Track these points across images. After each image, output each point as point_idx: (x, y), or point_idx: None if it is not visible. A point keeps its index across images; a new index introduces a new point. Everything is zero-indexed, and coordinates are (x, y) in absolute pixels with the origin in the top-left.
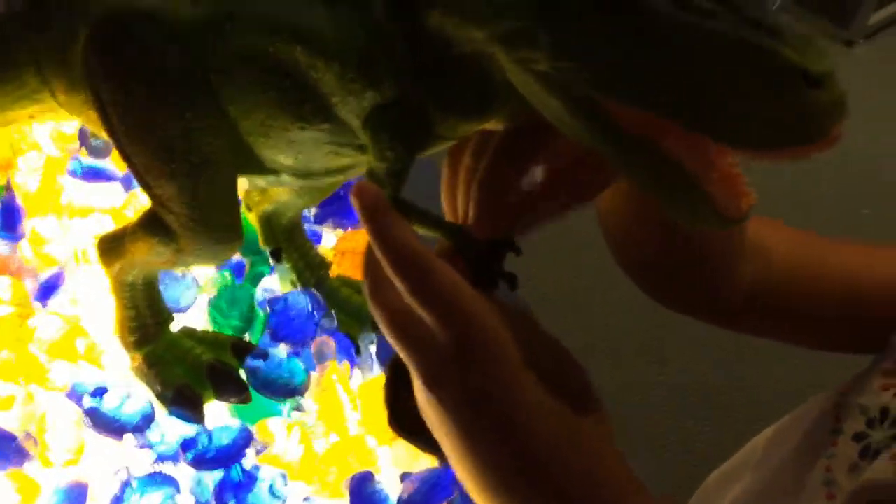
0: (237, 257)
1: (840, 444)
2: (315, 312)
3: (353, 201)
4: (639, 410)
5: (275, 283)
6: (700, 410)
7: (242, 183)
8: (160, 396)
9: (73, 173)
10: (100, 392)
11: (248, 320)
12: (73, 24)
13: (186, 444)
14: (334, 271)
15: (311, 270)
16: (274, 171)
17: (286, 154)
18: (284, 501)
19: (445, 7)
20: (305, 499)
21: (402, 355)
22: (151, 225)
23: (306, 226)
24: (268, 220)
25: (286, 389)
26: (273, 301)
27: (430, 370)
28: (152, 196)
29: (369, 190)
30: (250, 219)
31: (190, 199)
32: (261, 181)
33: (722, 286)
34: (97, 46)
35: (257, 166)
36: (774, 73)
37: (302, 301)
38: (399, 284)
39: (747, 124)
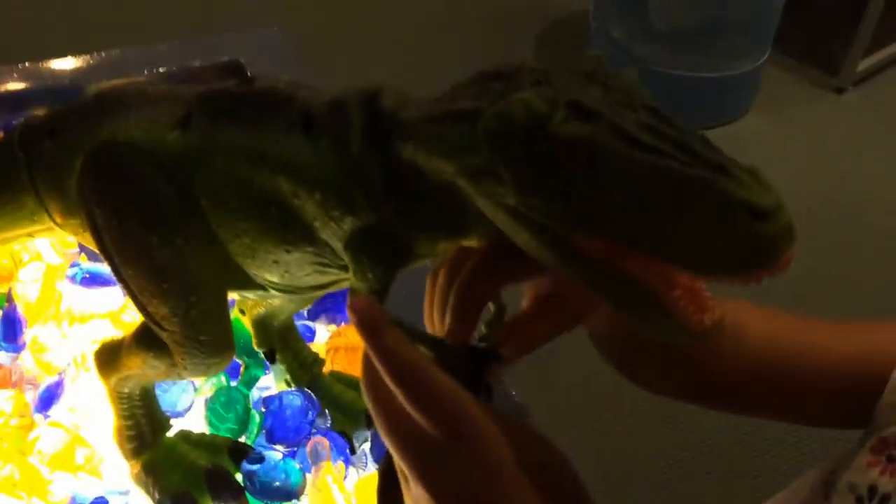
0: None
1: None
2: (309, 412)
3: (350, 316)
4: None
5: (269, 383)
6: (707, 466)
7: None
8: None
9: (73, 279)
10: (100, 503)
11: (244, 422)
12: (70, 153)
13: None
14: (328, 367)
15: (304, 369)
16: (262, 287)
17: (272, 273)
18: None
19: (416, 141)
20: None
21: (395, 452)
22: (146, 340)
23: (300, 322)
24: (261, 323)
25: (282, 492)
26: (268, 401)
27: (420, 465)
28: (146, 314)
29: (364, 304)
30: (245, 322)
31: (182, 318)
32: (250, 295)
33: (708, 365)
34: (91, 175)
35: (246, 283)
36: (721, 207)
37: (296, 401)
38: (397, 392)
39: (701, 253)
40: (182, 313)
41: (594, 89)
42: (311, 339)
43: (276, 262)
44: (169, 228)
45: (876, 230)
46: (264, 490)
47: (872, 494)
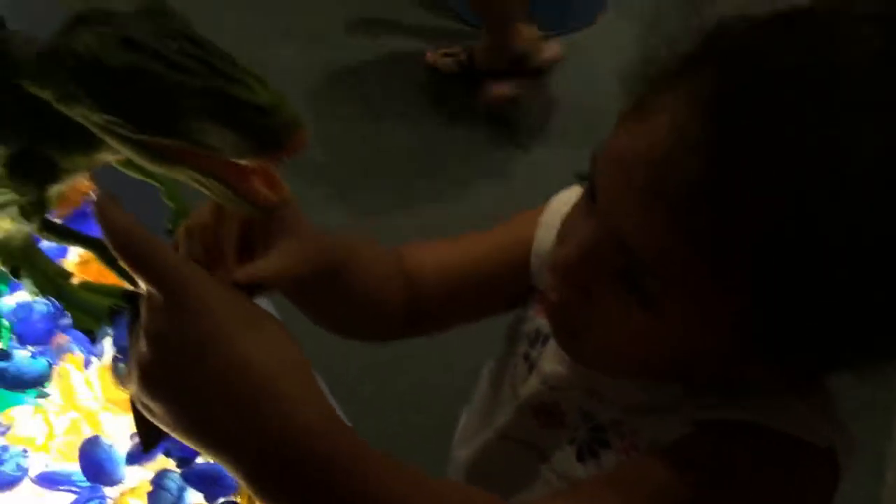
0: None
1: (518, 365)
2: (56, 316)
3: (92, 208)
4: None
5: (23, 296)
6: None
7: None
8: None
9: None
10: None
11: None
12: None
13: None
14: (78, 279)
15: (49, 282)
16: None
17: None
18: (26, 471)
19: (28, 75)
20: (45, 465)
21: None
22: None
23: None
24: (3, 246)
25: (30, 382)
26: (17, 310)
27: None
28: None
29: (102, 194)
30: None
31: None
32: None
33: (378, 313)
34: None
35: None
36: (233, 108)
37: (43, 308)
38: (123, 262)
39: (232, 143)
40: None
41: (146, 25)
42: (63, 254)
43: None
44: None
45: None
46: (14, 382)
47: (537, 336)
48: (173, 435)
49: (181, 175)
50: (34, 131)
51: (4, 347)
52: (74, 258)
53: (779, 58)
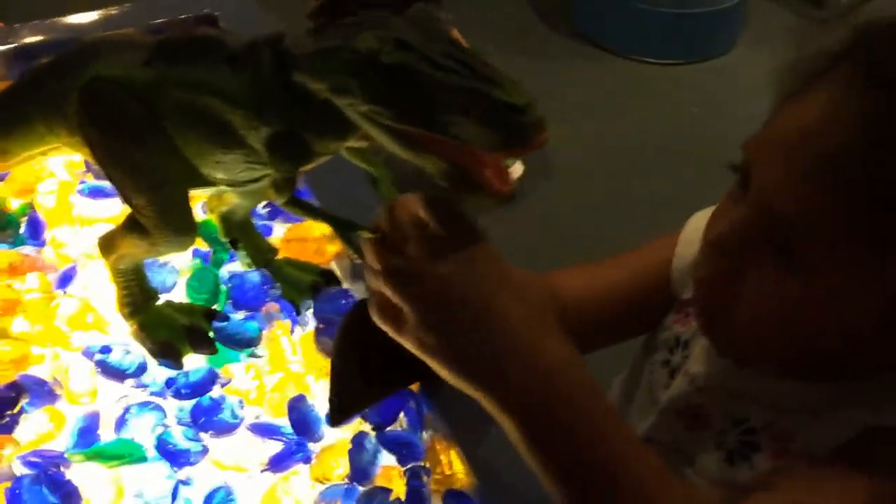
0: (205, 248)
1: (656, 373)
2: (265, 285)
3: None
4: None
5: (235, 266)
6: None
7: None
8: (151, 351)
9: (82, 192)
10: (106, 350)
11: (215, 294)
12: (67, 89)
13: (170, 383)
14: (281, 255)
15: (260, 255)
16: (213, 183)
17: (217, 171)
18: (242, 419)
19: (303, 70)
20: (257, 416)
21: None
22: (132, 226)
23: (260, 222)
24: (224, 219)
25: (243, 342)
26: (233, 278)
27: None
28: (131, 205)
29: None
30: (213, 219)
31: (155, 206)
32: (207, 191)
33: None
34: (83, 103)
35: (201, 181)
36: (492, 107)
37: (255, 277)
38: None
39: (484, 137)
40: (155, 203)
41: (415, 31)
42: (270, 233)
43: (218, 162)
44: (140, 139)
45: None
46: (230, 340)
47: (677, 343)
48: (439, 363)
49: (426, 162)
50: (297, 117)
51: (220, 309)
52: (279, 236)
53: None
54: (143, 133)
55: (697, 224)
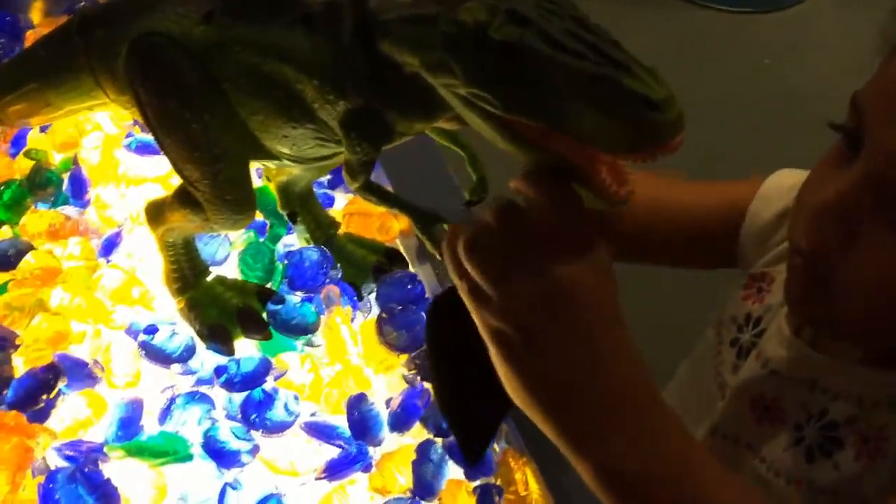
0: (260, 219)
1: (723, 352)
2: (324, 265)
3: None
4: None
5: (292, 241)
6: None
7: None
8: (199, 333)
9: (129, 147)
10: (151, 330)
11: (270, 271)
12: (118, 41)
13: (219, 371)
14: (343, 230)
15: (321, 230)
16: (277, 158)
17: (283, 145)
18: (296, 416)
19: (391, 38)
20: (312, 414)
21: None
22: (183, 199)
23: (321, 190)
24: (284, 189)
25: (299, 328)
26: (290, 254)
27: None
28: (183, 177)
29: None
30: (270, 187)
31: (211, 181)
32: (269, 164)
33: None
34: (133, 59)
35: (264, 154)
36: (623, 99)
37: (314, 255)
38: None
39: (609, 135)
40: (211, 177)
41: (532, 1)
42: (330, 204)
43: (285, 136)
44: (197, 105)
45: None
46: (285, 326)
47: (748, 320)
48: (514, 361)
49: (532, 157)
50: (377, 92)
51: (275, 288)
52: (340, 208)
53: None
54: (201, 99)
55: (780, 182)
